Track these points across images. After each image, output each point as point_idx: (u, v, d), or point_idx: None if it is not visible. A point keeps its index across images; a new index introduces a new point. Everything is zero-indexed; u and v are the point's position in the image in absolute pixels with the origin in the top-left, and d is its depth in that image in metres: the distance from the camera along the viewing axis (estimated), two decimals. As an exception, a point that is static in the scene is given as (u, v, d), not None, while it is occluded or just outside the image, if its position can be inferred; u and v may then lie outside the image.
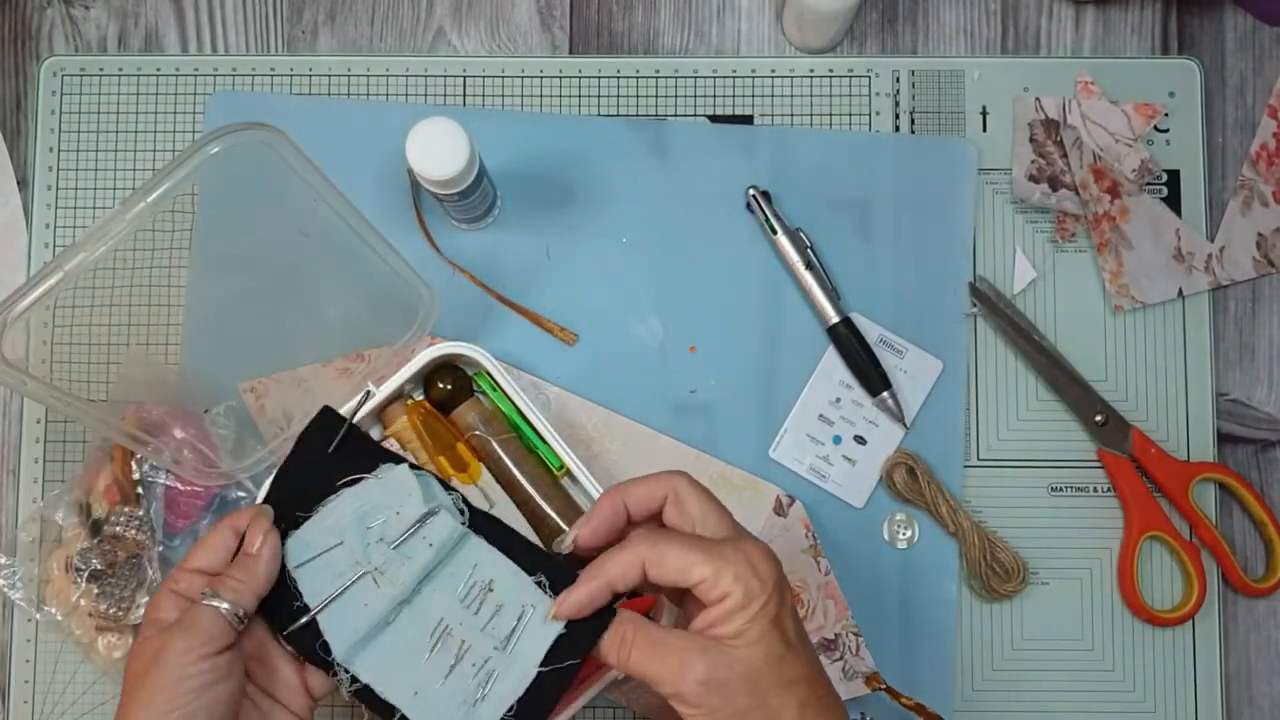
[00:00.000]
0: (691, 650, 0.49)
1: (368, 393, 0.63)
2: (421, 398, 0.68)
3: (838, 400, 0.70)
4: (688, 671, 0.48)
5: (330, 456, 0.57)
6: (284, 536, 0.54)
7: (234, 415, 0.69)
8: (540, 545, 0.56)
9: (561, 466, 0.66)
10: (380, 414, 0.67)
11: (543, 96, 0.74)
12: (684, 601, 0.54)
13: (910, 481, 0.69)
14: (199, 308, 0.71)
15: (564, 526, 0.64)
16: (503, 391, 0.67)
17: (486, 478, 0.67)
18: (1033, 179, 0.72)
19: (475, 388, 0.69)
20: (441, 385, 0.67)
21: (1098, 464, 0.71)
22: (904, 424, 0.70)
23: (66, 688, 0.70)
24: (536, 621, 0.53)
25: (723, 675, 0.48)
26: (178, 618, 0.51)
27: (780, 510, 0.69)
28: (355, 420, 0.58)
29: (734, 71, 0.74)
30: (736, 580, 0.49)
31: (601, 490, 0.64)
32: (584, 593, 0.51)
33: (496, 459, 0.67)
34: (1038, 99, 0.73)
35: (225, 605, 0.51)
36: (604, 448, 0.70)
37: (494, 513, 0.57)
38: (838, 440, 0.70)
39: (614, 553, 0.51)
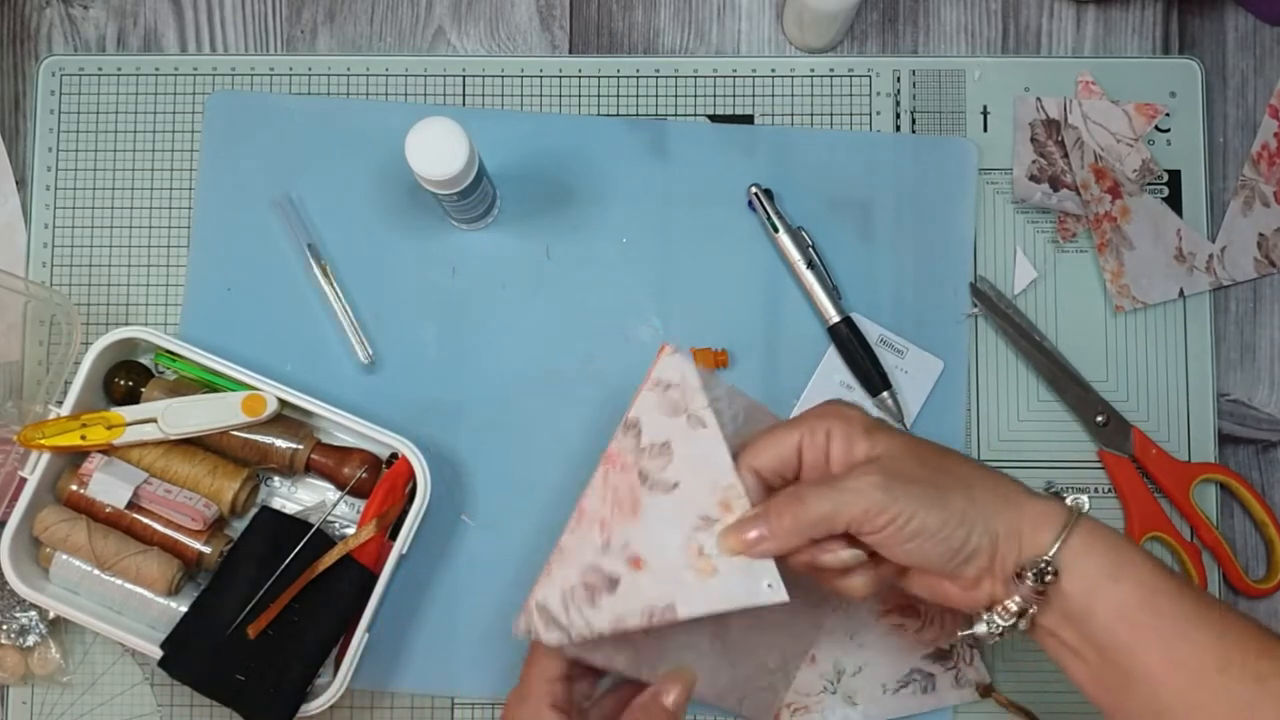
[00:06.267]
0: (856, 474, 0.51)
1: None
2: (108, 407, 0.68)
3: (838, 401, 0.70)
4: (862, 487, 0.50)
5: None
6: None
7: None
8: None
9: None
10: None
11: (543, 96, 0.74)
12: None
13: None
14: None
15: (293, 446, 0.67)
16: (182, 358, 0.68)
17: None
18: (1034, 179, 0.72)
19: (158, 369, 0.70)
20: (122, 382, 0.68)
21: (1098, 464, 0.71)
22: (904, 424, 0.70)
23: (65, 689, 0.70)
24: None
25: (891, 468, 0.50)
26: None
27: None
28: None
29: (734, 71, 0.74)
30: (831, 419, 0.53)
31: (319, 402, 0.66)
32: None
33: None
34: (1039, 99, 0.73)
35: None
36: None
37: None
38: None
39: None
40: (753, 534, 0.52)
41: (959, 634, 0.53)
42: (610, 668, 0.56)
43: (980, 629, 0.51)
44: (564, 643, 0.54)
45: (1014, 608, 0.50)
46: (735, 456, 0.55)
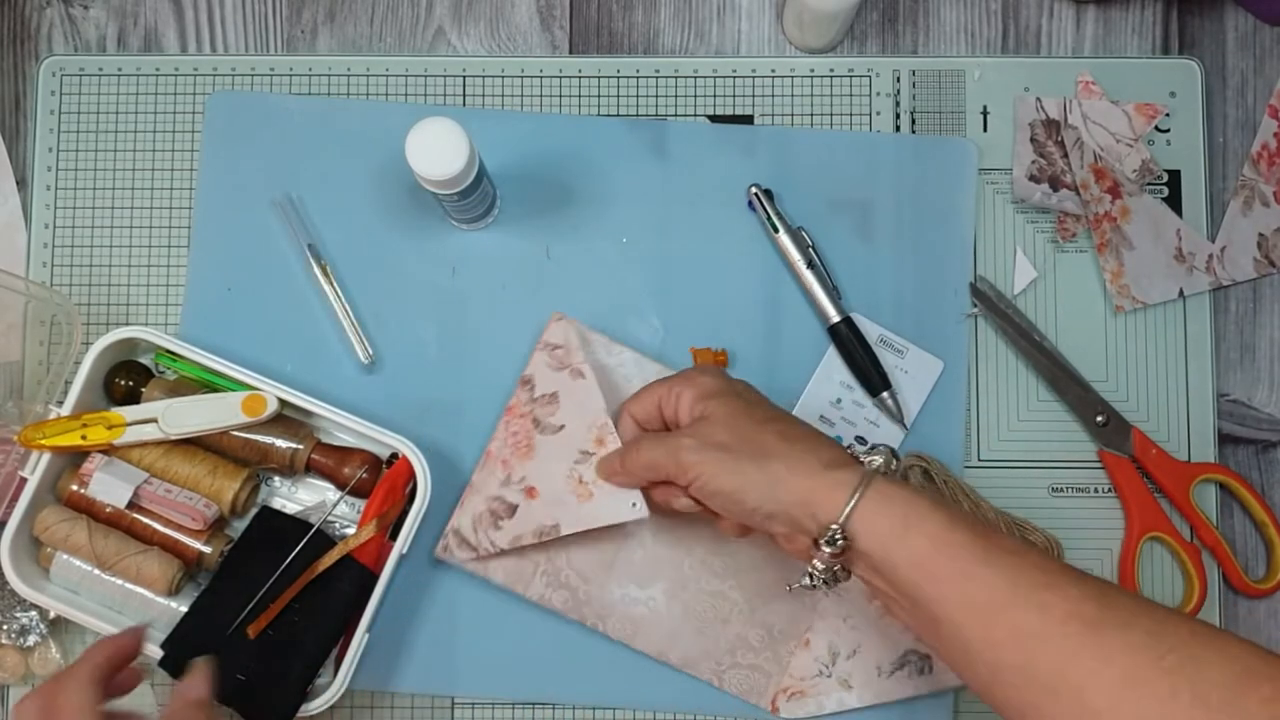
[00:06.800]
0: (680, 433, 0.59)
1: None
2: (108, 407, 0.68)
3: (838, 401, 0.70)
4: (678, 446, 0.58)
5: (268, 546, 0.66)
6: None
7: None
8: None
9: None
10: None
11: (543, 96, 0.74)
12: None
13: (926, 483, 0.69)
14: None
15: (293, 446, 0.67)
16: (182, 358, 0.68)
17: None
18: (1033, 179, 0.72)
19: (158, 369, 0.70)
20: (122, 382, 0.68)
21: (1098, 464, 0.71)
22: (903, 424, 0.70)
23: (65, 688, 0.70)
24: None
25: (704, 432, 0.58)
26: None
27: None
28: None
29: (734, 71, 0.74)
30: (684, 383, 0.60)
31: (319, 402, 0.67)
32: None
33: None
34: (1038, 99, 0.73)
35: None
36: None
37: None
38: (839, 441, 0.70)
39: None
40: (612, 466, 0.63)
41: (789, 586, 0.58)
42: (546, 605, 0.68)
43: (805, 581, 0.56)
44: (472, 558, 0.67)
45: (820, 567, 0.55)
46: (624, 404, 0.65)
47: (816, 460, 0.55)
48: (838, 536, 0.53)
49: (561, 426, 0.66)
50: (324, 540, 0.66)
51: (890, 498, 0.53)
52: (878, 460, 0.56)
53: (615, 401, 0.67)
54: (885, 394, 0.69)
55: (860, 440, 0.70)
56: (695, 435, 0.58)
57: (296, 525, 0.67)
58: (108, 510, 0.66)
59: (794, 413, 0.70)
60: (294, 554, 0.65)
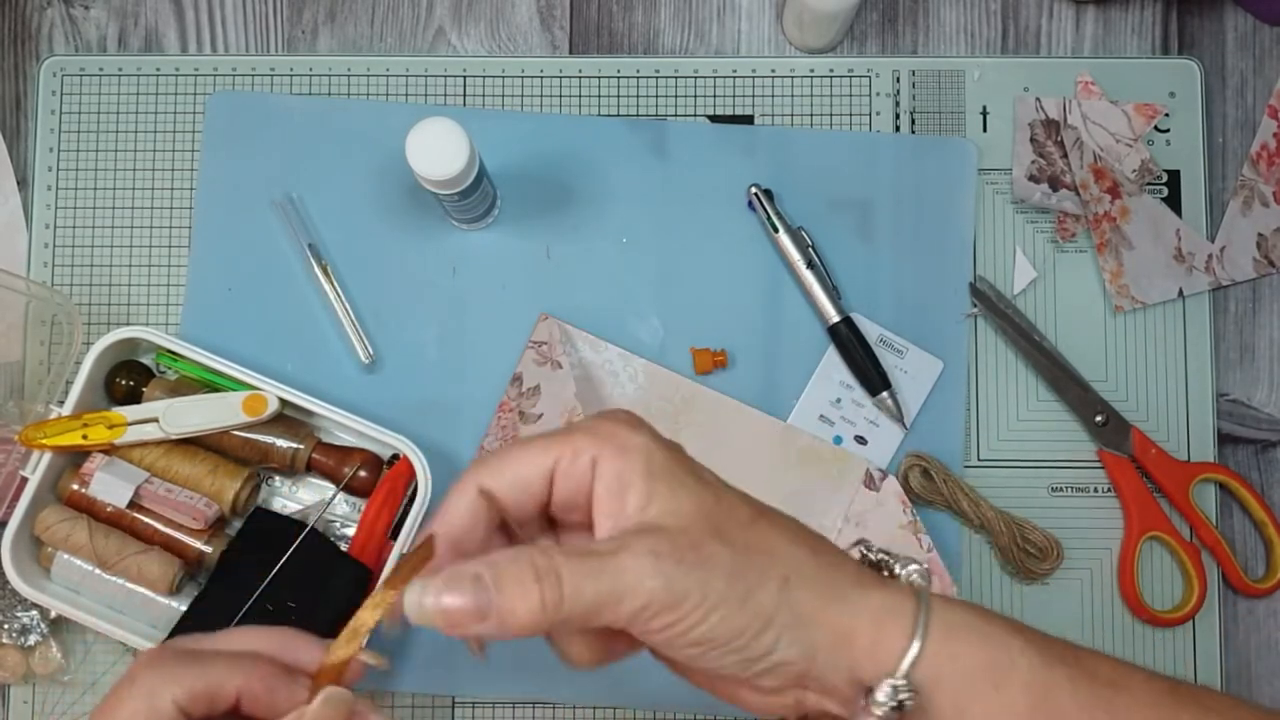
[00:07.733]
0: (627, 549, 0.35)
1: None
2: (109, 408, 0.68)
3: (838, 400, 0.70)
4: (631, 569, 0.35)
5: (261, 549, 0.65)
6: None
7: None
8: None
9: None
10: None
11: (543, 96, 0.74)
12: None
13: (926, 482, 0.69)
14: None
15: (294, 445, 0.67)
16: (183, 358, 0.68)
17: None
18: (1033, 179, 0.72)
19: (159, 369, 0.70)
20: (123, 382, 0.68)
21: (1098, 464, 0.71)
22: (903, 424, 0.70)
23: (66, 689, 0.70)
24: None
25: (672, 543, 0.36)
26: None
27: (872, 484, 0.69)
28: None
29: (734, 71, 0.74)
30: (602, 443, 0.37)
31: (319, 402, 0.66)
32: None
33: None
34: (1038, 99, 0.73)
35: None
36: (690, 419, 0.70)
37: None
38: (839, 441, 0.70)
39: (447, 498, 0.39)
40: (454, 600, 0.35)
41: None
42: None
43: None
44: None
45: None
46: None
47: (845, 573, 0.37)
48: (903, 693, 0.36)
49: (540, 415, 0.70)
50: (319, 540, 0.66)
51: (965, 628, 0.37)
52: (914, 571, 0.39)
53: (596, 396, 0.69)
54: (885, 394, 0.69)
55: (860, 441, 0.70)
56: (654, 553, 0.35)
57: (291, 525, 0.67)
58: (108, 510, 0.66)
59: (794, 413, 0.70)
60: (288, 554, 0.65)
